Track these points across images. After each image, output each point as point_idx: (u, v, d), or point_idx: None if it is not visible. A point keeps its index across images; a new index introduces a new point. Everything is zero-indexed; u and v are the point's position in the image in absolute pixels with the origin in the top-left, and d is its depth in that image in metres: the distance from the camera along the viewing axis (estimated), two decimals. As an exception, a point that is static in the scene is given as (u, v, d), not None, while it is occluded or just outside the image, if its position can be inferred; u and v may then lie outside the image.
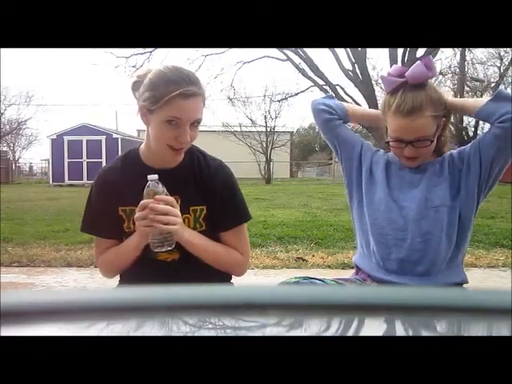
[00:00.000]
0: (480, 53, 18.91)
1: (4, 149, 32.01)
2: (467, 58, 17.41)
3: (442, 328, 0.51)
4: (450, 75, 17.39)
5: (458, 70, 17.20)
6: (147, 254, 1.34)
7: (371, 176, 1.52)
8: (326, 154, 37.74)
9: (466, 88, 18.82)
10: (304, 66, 12.55)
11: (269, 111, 25.05)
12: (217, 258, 1.40)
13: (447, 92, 1.47)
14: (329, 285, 1.36)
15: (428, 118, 1.35)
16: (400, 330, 0.50)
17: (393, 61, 11.04)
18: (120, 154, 1.55)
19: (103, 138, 20.23)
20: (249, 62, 14.28)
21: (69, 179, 19.88)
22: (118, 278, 1.47)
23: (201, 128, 1.36)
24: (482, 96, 18.12)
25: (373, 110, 1.67)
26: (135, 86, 1.33)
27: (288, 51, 12.53)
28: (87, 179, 18.67)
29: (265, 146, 25.05)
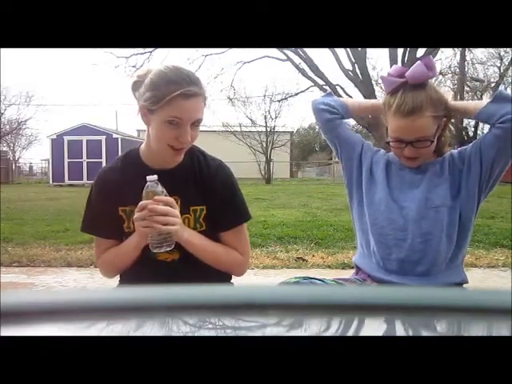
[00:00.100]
0: (480, 53, 18.94)
1: (4, 149, 32.04)
2: (467, 58, 17.44)
3: (441, 328, 0.51)
4: (450, 75, 17.40)
5: (458, 70, 17.21)
6: (147, 254, 1.34)
7: (371, 176, 1.52)
8: (326, 154, 37.76)
9: (466, 88, 18.84)
10: (304, 66, 12.56)
11: (269, 111, 25.09)
12: (216, 258, 1.40)
13: (447, 92, 1.47)
14: (329, 285, 1.36)
15: (428, 118, 1.35)
16: (400, 330, 0.50)
17: (393, 61, 11.04)
18: (120, 153, 1.55)
19: (103, 137, 20.23)
20: (249, 62, 14.30)
21: (69, 179, 19.88)
22: (118, 278, 1.47)
23: (201, 128, 1.36)
24: (481, 96, 18.14)
25: (372, 100, 1.67)
26: (135, 86, 1.33)
27: (288, 51, 12.54)
28: (87, 179, 18.67)
29: (265, 146, 25.06)
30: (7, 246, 5.19)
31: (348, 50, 11.82)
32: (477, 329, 0.49)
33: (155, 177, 1.26)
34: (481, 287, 3.40)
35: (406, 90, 1.37)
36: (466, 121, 18.01)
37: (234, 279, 1.51)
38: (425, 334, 0.49)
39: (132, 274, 1.41)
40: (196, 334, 0.48)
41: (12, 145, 35.80)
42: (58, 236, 5.77)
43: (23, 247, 5.14)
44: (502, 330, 0.47)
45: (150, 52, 12.96)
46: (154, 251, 1.28)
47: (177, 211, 1.28)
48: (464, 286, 1.48)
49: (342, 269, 4.15)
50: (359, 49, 11.34)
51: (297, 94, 16.65)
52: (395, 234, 1.43)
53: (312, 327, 0.50)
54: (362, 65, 11.77)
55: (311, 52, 12.51)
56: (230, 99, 21.31)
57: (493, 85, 17.84)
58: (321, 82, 12.34)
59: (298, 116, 62.80)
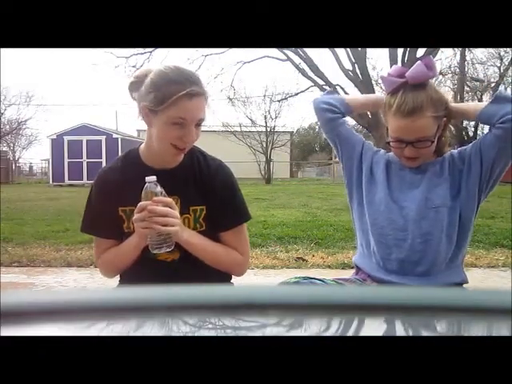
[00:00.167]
0: (480, 53, 18.94)
1: (4, 149, 32.04)
2: (467, 58, 17.44)
3: (441, 328, 0.51)
4: (450, 75, 17.41)
5: (458, 70, 17.22)
6: (147, 254, 1.33)
7: (372, 176, 1.52)
8: (326, 154, 37.73)
9: (466, 88, 18.85)
10: (304, 66, 12.57)
11: (269, 111, 25.09)
12: (216, 258, 1.40)
13: (447, 92, 1.47)
14: (329, 285, 1.36)
15: (428, 118, 1.35)
16: (400, 330, 0.50)
17: (393, 61, 11.05)
18: (120, 154, 1.55)
19: (103, 138, 20.23)
20: (249, 62, 14.32)
21: (69, 179, 19.87)
22: (118, 278, 1.47)
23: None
24: (481, 96, 18.14)
25: (373, 95, 1.67)
26: (133, 87, 1.34)
27: (288, 51, 12.56)
28: (87, 179, 18.66)
29: (265, 146, 25.05)
30: (7, 246, 5.19)
31: (348, 49, 11.83)
32: (477, 329, 0.49)
33: (154, 177, 1.26)
34: (481, 287, 3.40)
35: (407, 90, 1.37)
36: (465, 121, 18.03)
37: (234, 279, 1.51)
38: (425, 333, 0.49)
39: (132, 274, 1.41)
40: (196, 334, 0.48)
41: (12, 145, 35.83)
42: (58, 236, 5.78)
43: (23, 247, 5.14)
44: (501, 330, 0.47)
45: (150, 52, 12.99)
46: (154, 252, 1.28)
47: (176, 212, 1.28)
48: (464, 286, 1.48)
49: (342, 269, 4.15)
50: (359, 49, 11.35)
51: (297, 94, 16.68)
52: (395, 234, 1.43)
53: (312, 327, 0.50)
54: (361, 65, 11.78)
55: (311, 52, 12.54)
56: (230, 99, 21.32)
57: (493, 85, 17.85)
58: (321, 82, 12.35)
59: (298, 116, 62.90)
